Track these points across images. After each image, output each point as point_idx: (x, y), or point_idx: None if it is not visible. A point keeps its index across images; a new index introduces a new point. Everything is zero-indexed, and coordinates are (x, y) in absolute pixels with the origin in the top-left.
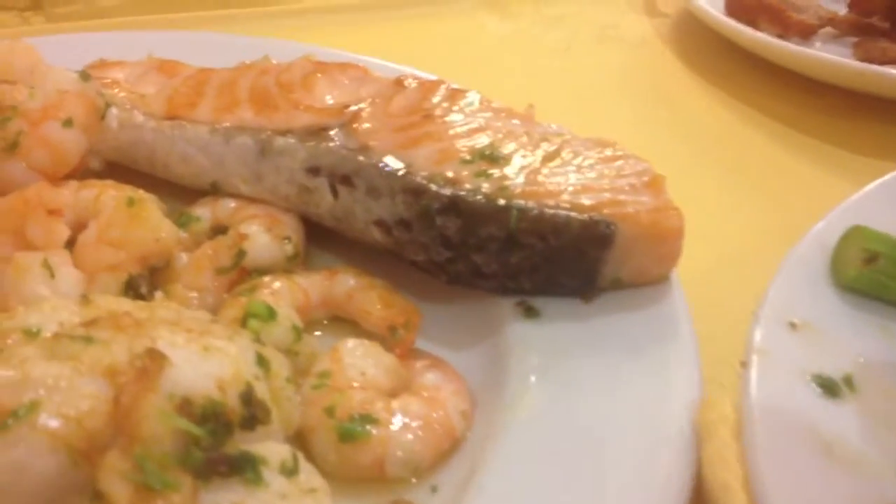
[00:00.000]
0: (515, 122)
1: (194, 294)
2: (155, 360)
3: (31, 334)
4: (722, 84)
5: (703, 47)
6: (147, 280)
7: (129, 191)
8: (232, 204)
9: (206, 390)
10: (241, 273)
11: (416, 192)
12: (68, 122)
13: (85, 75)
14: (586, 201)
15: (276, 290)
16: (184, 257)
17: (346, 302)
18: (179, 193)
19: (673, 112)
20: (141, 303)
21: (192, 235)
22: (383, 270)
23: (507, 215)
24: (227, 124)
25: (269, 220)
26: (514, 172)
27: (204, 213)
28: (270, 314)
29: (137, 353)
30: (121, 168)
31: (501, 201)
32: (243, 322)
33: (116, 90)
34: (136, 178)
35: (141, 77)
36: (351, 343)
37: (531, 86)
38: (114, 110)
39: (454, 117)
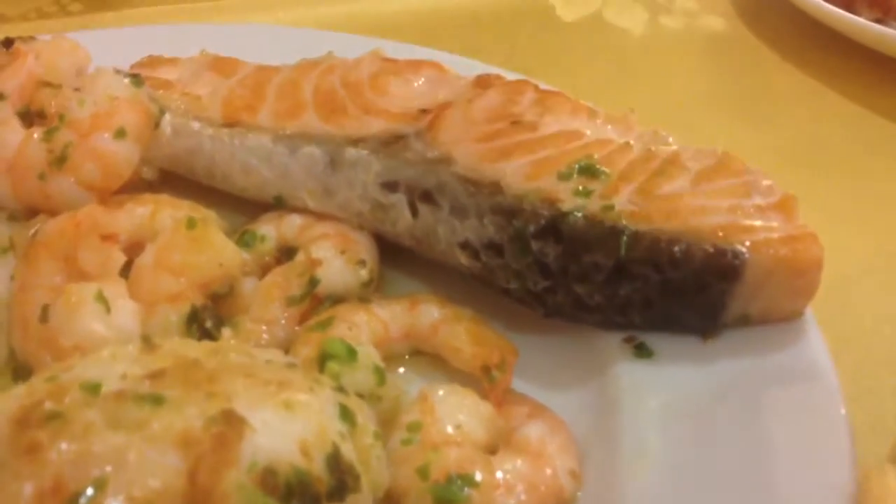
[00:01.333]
0: (611, 128)
1: (263, 328)
2: (233, 426)
3: (91, 390)
4: (817, 74)
5: (793, 33)
6: (212, 312)
7: (187, 208)
8: (299, 221)
9: (290, 456)
10: (313, 302)
11: (508, 212)
12: (120, 133)
13: (137, 80)
14: (708, 226)
15: (353, 324)
16: (248, 283)
17: (430, 336)
18: (239, 206)
19: (762, 106)
20: (209, 345)
21: (256, 257)
22: (468, 298)
23: (615, 241)
24: (292, 131)
25: (342, 241)
26: (619, 190)
27: (268, 231)
28: (350, 354)
29: (213, 416)
30: (174, 176)
31: (608, 224)
32: (321, 364)
33: (169, 92)
34: (191, 188)
35: (194, 76)
36: (442, 390)
37: (604, 77)
38: (168, 116)
39: (545, 124)
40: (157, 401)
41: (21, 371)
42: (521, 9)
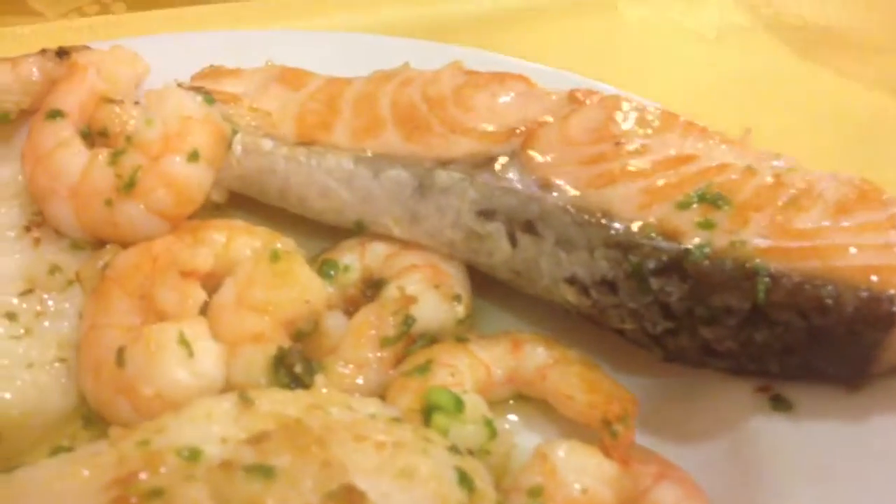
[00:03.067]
0: (726, 149)
1: (356, 372)
2: (355, 503)
3: (190, 458)
4: None
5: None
6: (300, 355)
7: (264, 236)
8: (383, 249)
9: None
10: (406, 342)
11: (623, 245)
12: (193, 155)
13: (209, 97)
14: (856, 267)
15: (455, 369)
16: (332, 318)
17: (537, 381)
18: (307, 230)
19: (858, 118)
20: (306, 397)
21: (339, 289)
22: (566, 336)
23: (751, 283)
24: (374, 152)
25: (434, 273)
26: (748, 222)
27: (351, 260)
28: (457, 405)
29: (332, 491)
30: (236, 197)
31: (742, 264)
32: (425, 416)
33: (236, 107)
34: (256, 210)
35: (261, 89)
36: (563, 449)
37: (677, 84)
38: (238, 134)
39: (653, 145)
40: (267, 473)
41: (92, 419)
42: (584, 8)
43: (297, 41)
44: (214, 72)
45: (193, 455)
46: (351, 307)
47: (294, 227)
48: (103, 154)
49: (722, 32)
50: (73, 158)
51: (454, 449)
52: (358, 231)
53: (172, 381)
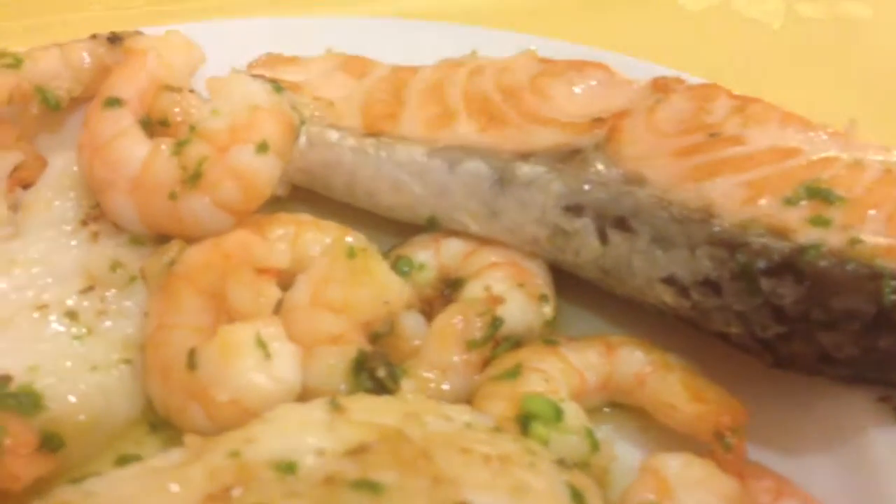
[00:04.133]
0: (829, 140)
1: (442, 378)
2: None
3: (287, 471)
4: None
5: None
6: (383, 358)
7: (334, 231)
8: (460, 246)
9: None
10: (492, 345)
11: (728, 243)
12: (262, 147)
13: (277, 86)
14: None
15: (547, 374)
16: (408, 319)
17: (634, 388)
18: (371, 225)
19: None
20: (399, 405)
21: (415, 288)
22: (652, 338)
23: (876, 285)
24: (446, 143)
25: (517, 272)
26: (864, 219)
27: (427, 258)
28: (556, 414)
29: None
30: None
31: (864, 264)
32: (522, 424)
33: (299, 97)
34: (317, 205)
35: (323, 78)
36: (676, 463)
37: (741, 75)
38: (303, 125)
39: (752, 137)
40: (375, 490)
41: (158, 424)
42: None
43: (355, 28)
44: (271, 60)
45: (289, 468)
46: (426, 307)
47: (356, 222)
48: (166, 144)
49: (786, 22)
50: (133, 149)
51: (562, 463)
52: (430, 227)
53: (249, 386)
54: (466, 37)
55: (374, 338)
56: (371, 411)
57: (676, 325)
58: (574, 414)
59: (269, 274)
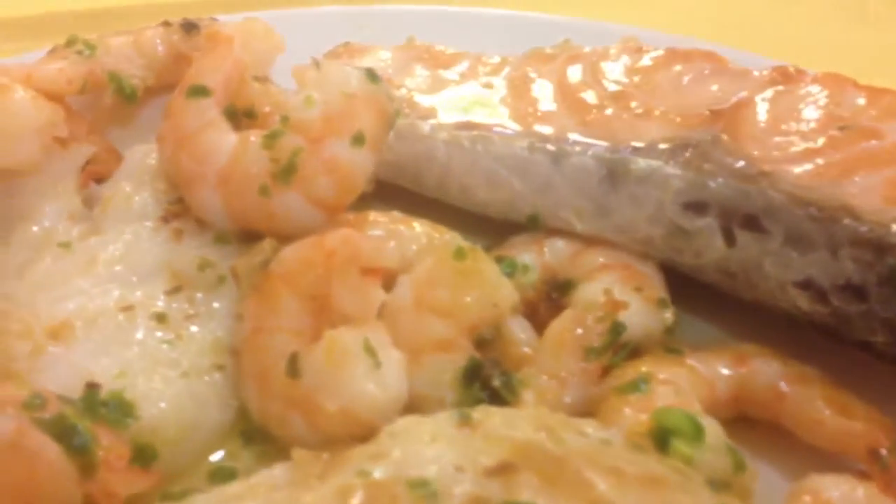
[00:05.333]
0: None
1: (562, 389)
2: None
3: (427, 492)
4: None
5: None
6: (498, 367)
7: (428, 229)
8: (565, 247)
9: None
10: (611, 353)
11: (877, 246)
12: (358, 139)
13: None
14: None
15: (677, 386)
16: (517, 324)
17: (771, 401)
18: (456, 222)
19: None
20: (530, 418)
21: (519, 290)
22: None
23: None
24: (544, 136)
25: (631, 275)
26: None
27: (530, 259)
28: (697, 431)
29: None
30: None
31: None
32: (658, 441)
33: None
34: (395, 201)
35: (403, 69)
36: (838, 485)
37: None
38: None
39: (888, 130)
40: None
41: (254, 435)
42: None
43: (432, 17)
44: (349, 49)
45: (425, 487)
46: (529, 311)
47: (441, 220)
48: (255, 136)
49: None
50: (221, 140)
51: (714, 485)
52: (531, 225)
53: (360, 395)
54: (552, 26)
55: (480, 344)
56: (504, 425)
57: (799, 334)
58: (715, 430)
59: (376, 275)
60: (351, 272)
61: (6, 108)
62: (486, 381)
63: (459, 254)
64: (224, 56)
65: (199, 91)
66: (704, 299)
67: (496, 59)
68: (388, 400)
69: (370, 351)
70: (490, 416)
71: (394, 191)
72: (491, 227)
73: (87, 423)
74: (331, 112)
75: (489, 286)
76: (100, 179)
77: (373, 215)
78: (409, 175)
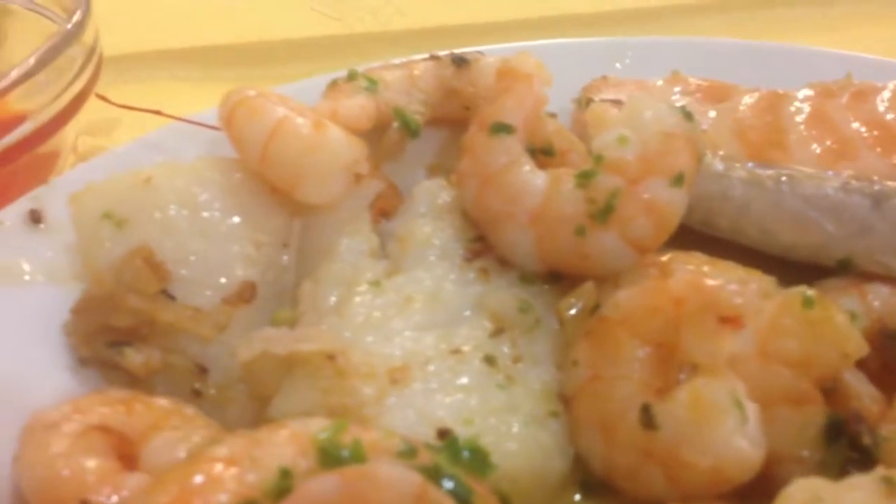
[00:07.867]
0: None
1: None
2: None
3: None
4: None
5: None
6: (865, 422)
7: (742, 273)
8: (889, 292)
9: None
10: None
11: None
12: (679, 180)
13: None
14: None
15: None
16: (853, 374)
17: None
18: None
19: None
20: None
21: None
22: None
23: None
24: (851, 176)
25: None
26: None
27: (853, 305)
28: None
29: None
30: None
31: None
32: None
33: None
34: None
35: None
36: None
37: None
38: None
39: None
40: None
41: (594, 487)
42: None
43: (696, 48)
44: (605, 83)
45: None
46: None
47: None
48: (566, 175)
49: None
50: (531, 179)
51: None
52: (841, 270)
53: (731, 451)
54: (820, 60)
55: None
56: None
57: None
58: None
59: (736, 323)
60: (707, 320)
61: (323, 146)
62: (854, 438)
63: (808, 302)
64: (525, 93)
65: (503, 128)
66: None
67: (774, 93)
68: (758, 457)
69: (738, 405)
70: None
71: None
72: (770, 267)
73: (461, 474)
74: (649, 152)
75: (840, 336)
76: (385, 215)
77: (680, 257)
78: (699, 216)
